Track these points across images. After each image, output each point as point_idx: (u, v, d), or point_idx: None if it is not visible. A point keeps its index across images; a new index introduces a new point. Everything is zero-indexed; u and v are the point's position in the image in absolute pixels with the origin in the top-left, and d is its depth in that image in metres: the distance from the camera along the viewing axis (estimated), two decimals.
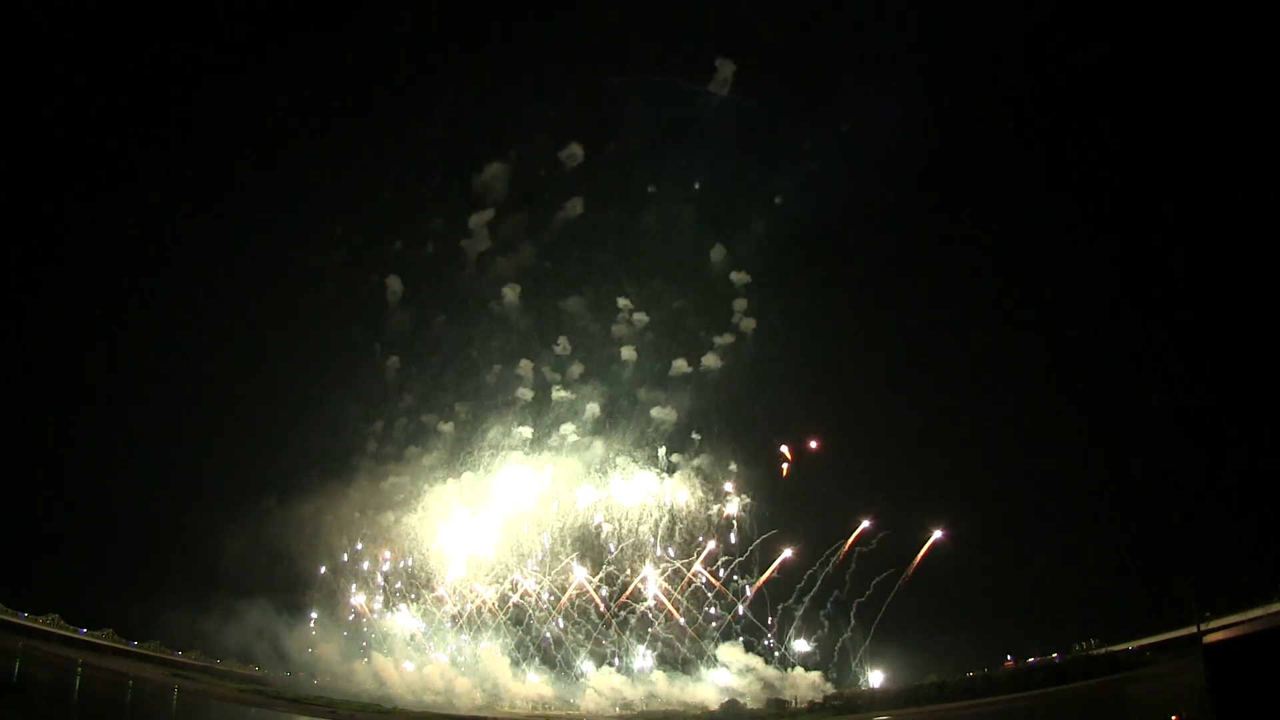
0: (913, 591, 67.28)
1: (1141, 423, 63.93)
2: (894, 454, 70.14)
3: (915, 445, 69.89)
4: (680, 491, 72.95)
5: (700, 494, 72.68)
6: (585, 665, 72.60)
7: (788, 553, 69.93)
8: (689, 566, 72.07)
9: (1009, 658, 66.19)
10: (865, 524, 68.17)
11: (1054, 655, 64.52)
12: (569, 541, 73.66)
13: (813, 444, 71.04)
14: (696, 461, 73.35)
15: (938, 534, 66.39)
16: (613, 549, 72.91)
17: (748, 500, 71.98)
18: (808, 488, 71.12)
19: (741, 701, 69.36)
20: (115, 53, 70.47)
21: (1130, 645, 60.59)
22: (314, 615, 77.42)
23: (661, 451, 73.68)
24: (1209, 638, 48.70)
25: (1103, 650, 61.95)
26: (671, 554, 72.36)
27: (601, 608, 72.43)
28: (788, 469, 71.01)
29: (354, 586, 77.94)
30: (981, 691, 63.79)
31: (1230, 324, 61.43)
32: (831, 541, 69.04)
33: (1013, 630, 65.14)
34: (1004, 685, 63.28)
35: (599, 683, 71.64)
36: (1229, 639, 48.08)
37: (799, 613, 69.66)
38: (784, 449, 70.87)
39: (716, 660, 70.61)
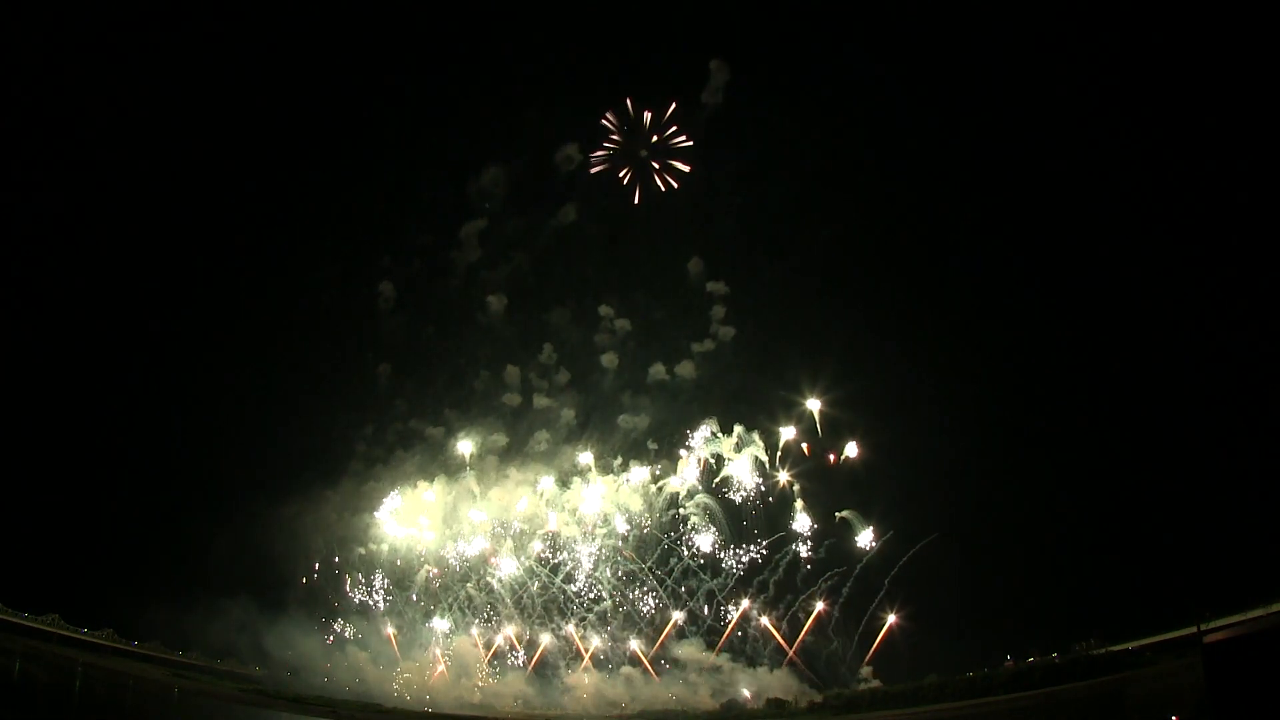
0: (913, 592, 68.11)
1: (1142, 423, 64.12)
2: (890, 455, 70.92)
3: (912, 447, 69.89)
4: (636, 496, 74.30)
5: (659, 499, 73.94)
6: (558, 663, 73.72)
7: (740, 553, 71.59)
8: (646, 569, 73.20)
9: (1009, 658, 66.31)
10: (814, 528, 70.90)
11: (1054, 655, 64.51)
12: (530, 544, 75.25)
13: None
14: (659, 466, 74.81)
15: (884, 534, 69.03)
16: (572, 553, 74.35)
17: (707, 502, 73.18)
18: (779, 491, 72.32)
19: (741, 701, 69.51)
20: (113, 56, 70.63)
21: (1130, 645, 60.47)
22: (306, 614, 77.91)
23: (617, 462, 75.20)
24: (1209, 638, 48.81)
25: (1103, 650, 61.87)
26: (627, 558, 73.74)
27: (564, 607, 73.83)
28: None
29: (344, 586, 79.16)
30: (981, 691, 63.71)
31: (1230, 326, 61.43)
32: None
33: (1013, 630, 65.37)
34: (1004, 685, 63.19)
35: (576, 681, 72.35)
36: (1229, 639, 48.19)
37: (754, 611, 70.89)
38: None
39: (678, 660, 71.55)
